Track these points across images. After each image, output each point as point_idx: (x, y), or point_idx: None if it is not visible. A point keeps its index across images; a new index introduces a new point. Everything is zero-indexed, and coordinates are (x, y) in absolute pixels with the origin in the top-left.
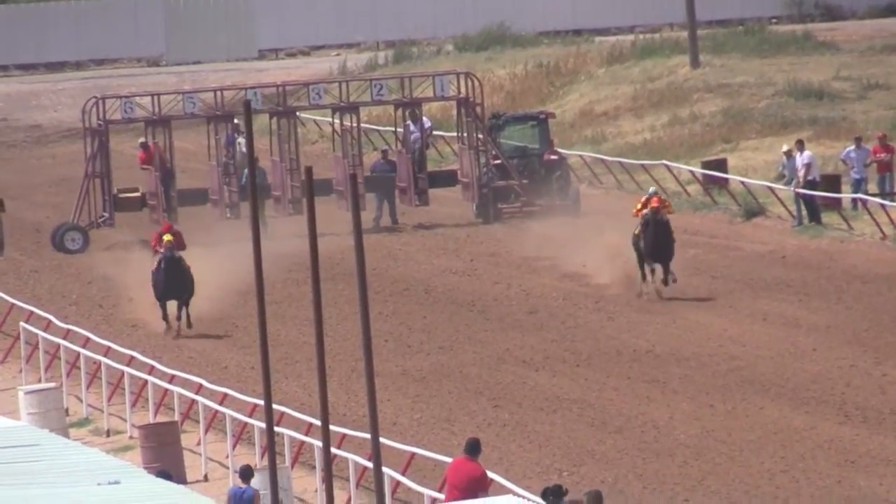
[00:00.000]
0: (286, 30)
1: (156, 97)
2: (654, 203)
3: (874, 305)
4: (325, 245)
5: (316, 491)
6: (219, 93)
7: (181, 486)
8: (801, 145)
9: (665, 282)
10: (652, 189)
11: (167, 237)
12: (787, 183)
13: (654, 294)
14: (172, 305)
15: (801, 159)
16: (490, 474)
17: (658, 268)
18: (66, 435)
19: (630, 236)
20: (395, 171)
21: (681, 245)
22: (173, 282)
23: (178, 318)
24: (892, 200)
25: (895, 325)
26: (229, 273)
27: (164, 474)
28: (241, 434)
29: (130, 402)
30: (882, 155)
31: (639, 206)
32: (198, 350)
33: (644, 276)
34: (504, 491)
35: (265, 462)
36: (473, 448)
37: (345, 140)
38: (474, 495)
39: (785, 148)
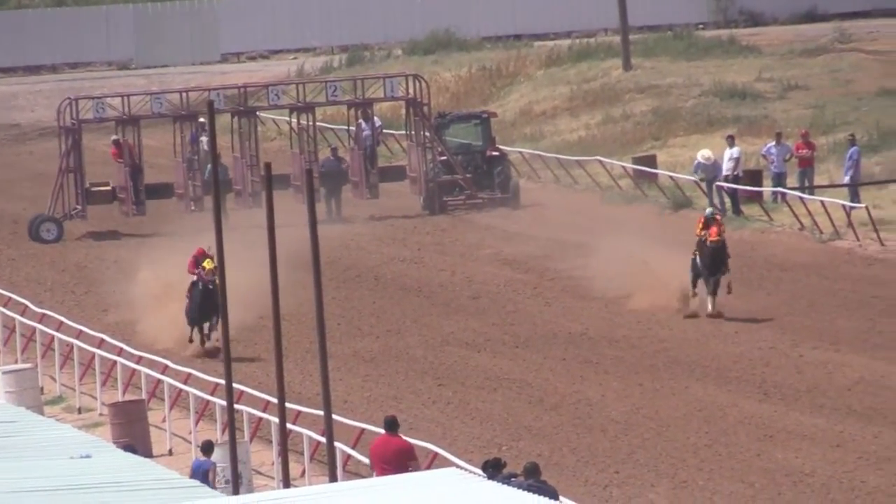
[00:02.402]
0: (247, 35)
1: (125, 98)
2: (714, 235)
3: (792, 292)
4: (282, 235)
5: (273, 464)
6: (184, 94)
7: (147, 460)
8: (731, 140)
9: (714, 292)
10: (709, 210)
11: (209, 264)
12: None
13: (710, 312)
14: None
15: (729, 153)
16: (434, 448)
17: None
18: (41, 412)
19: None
20: (342, 168)
21: (613, 236)
22: (207, 307)
23: (207, 338)
24: (811, 194)
25: (811, 310)
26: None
27: (131, 448)
28: (204, 411)
29: (101, 382)
30: (804, 151)
31: (699, 226)
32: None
33: (695, 294)
34: (447, 464)
35: (226, 437)
36: (392, 425)
37: (301, 138)
38: (405, 467)
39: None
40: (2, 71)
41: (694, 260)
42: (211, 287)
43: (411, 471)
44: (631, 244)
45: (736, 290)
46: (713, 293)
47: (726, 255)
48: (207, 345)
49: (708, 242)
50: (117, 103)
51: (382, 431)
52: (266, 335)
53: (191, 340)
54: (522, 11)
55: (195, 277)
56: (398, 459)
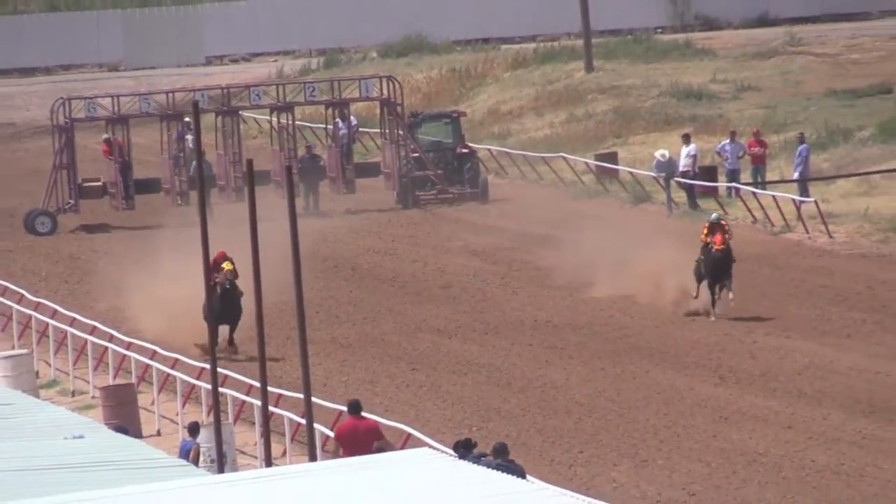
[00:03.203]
0: (230, 39)
1: (115, 98)
2: (718, 242)
3: (745, 281)
4: (263, 228)
5: (255, 444)
6: (170, 94)
7: (137, 440)
8: (687, 139)
9: (718, 297)
10: (715, 215)
11: (228, 266)
12: (668, 176)
13: (713, 314)
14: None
15: (685, 151)
16: (408, 429)
17: (716, 294)
18: (37, 395)
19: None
20: (319, 165)
21: (576, 228)
22: (228, 309)
23: (230, 342)
24: (763, 189)
25: (764, 298)
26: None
27: (121, 429)
28: (190, 394)
29: (93, 367)
30: (756, 149)
31: (705, 231)
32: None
33: (696, 296)
34: (420, 444)
35: (211, 419)
36: (357, 407)
37: (281, 136)
38: (371, 446)
39: (662, 152)
40: None
41: (698, 264)
42: (228, 287)
43: (378, 448)
44: (594, 236)
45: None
46: (715, 299)
47: (731, 263)
48: (223, 345)
49: (713, 250)
50: (108, 103)
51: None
52: (249, 322)
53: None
54: (490, 16)
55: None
56: (370, 439)
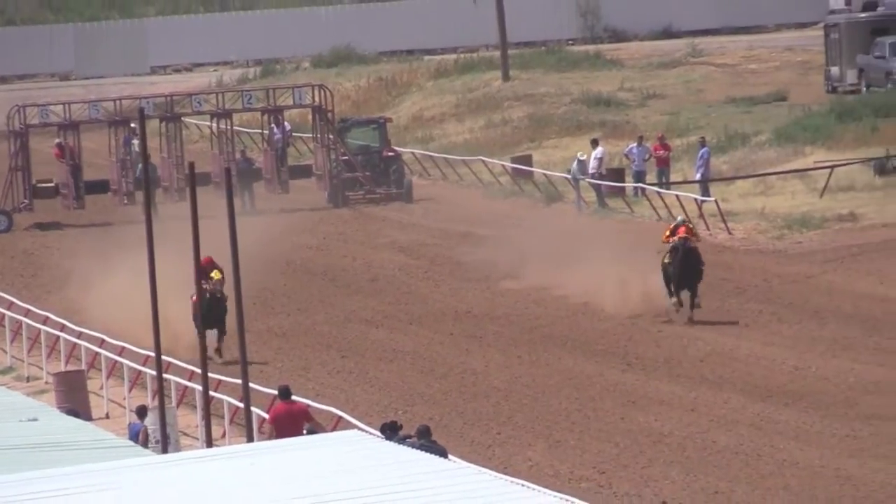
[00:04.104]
0: (173, 50)
1: (67, 105)
2: (682, 233)
3: (642, 273)
4: (204, 226)
5: (197, 426)
6: (118, 102)
7: (87, 423)
8: (595, 143)
9: (692, 305)
10: (680, 218)
11: (216, 274)
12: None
13: (683, 318)
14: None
15: (594, 154)
16: (338, 412)
17: (686, 296)
18: None
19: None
20: (252, 168)
21: (494, 226)
22: (216, 316)
23: (218, 349)
24: (667, 189)
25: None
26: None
27: (73, 412)
28: (137, 380)
29: (46, 354)
30: (661, 152)
31: (668, 233)
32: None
33: (671, 295)
34: (349, 426)
35: (156, 403)
36: (287, 392)
37: (221, 140)
38: (302, 427)
39: (581, 154)
40: None
41: (665, 266)
42: (218, 296)
43: (310, 430)
44: (510, 233)
45: (603, 273)
46: (691, 302)
47: (699, 259)
48: (213, 354)
49: (677, 239)
50: (60, 110)
51: (293, 398)
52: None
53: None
54: (414, 30)
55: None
56: (302, 422)
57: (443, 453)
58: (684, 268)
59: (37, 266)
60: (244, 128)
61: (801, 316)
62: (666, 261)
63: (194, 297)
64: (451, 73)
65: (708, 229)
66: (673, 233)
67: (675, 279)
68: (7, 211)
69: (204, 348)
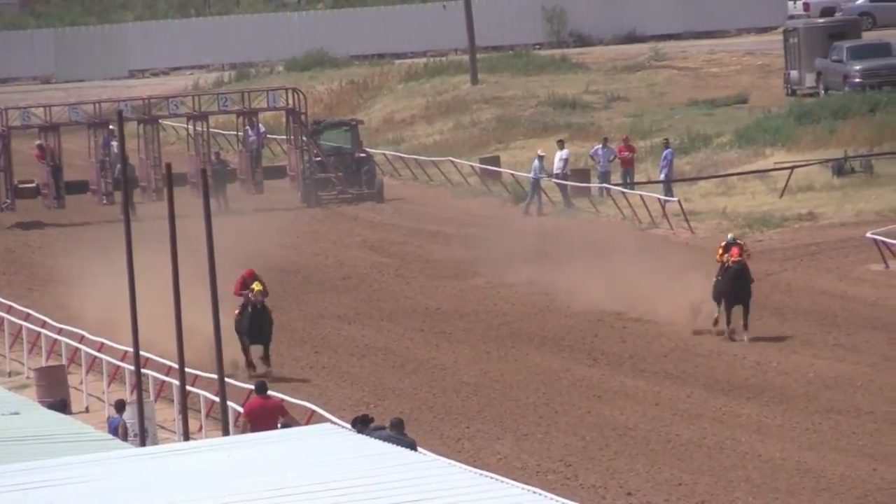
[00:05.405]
0: (151, 54)
1: (47, 108)
2: (735, 254)
3: (614, 271)
4: (180, 225)
5: (174, 420)
6: (97, 105)
7: (67, 416)
8: (560, 144)
9: (745, 325)
10: (731, 236)
11: (258, 286)
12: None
13: (735, 335)
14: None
15: (559, 155)
16: (312, 406)
17: (737, 312)
18: None
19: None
20: (226, 169)
21: (462, 225)
22: (258, 328)
23: (265, 362)
24: (632, 189)
25: (632, 287)
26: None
27: (61, 402)
28: (116, 375)
29: (27, 350)
30: (626, 153)
31: (720, 251)
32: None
33: (720, 314)
34: (322, 420)
35: (134, 397)
36: (263, 387)
37: (197, 142)
38: (277, 421)
39: (541, 151)
40: None
41: (715, 284)
42: (259, 307)
43: (284, 424)
44: (477, 232)
45: (567, 269)
46: (744, 321)
47: (749, 279)
48: (261, 369)
49: (730, 263)
50: (40, 112)
51: (269, 392)
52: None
53: (248, 364)
54: (385, 34)
55: (244, 300)
56: (277, 416)
57: (412, 446)
58: (735, 286)
59: (19, 264)
60: (220, 130)
61: (761, 312)
62: (717, 276)
63: (238, 312)
64: (421, 77)
65: (671, 228)
66: (726, 250)
67: (727, 296)
68: None
69: (250, 362)
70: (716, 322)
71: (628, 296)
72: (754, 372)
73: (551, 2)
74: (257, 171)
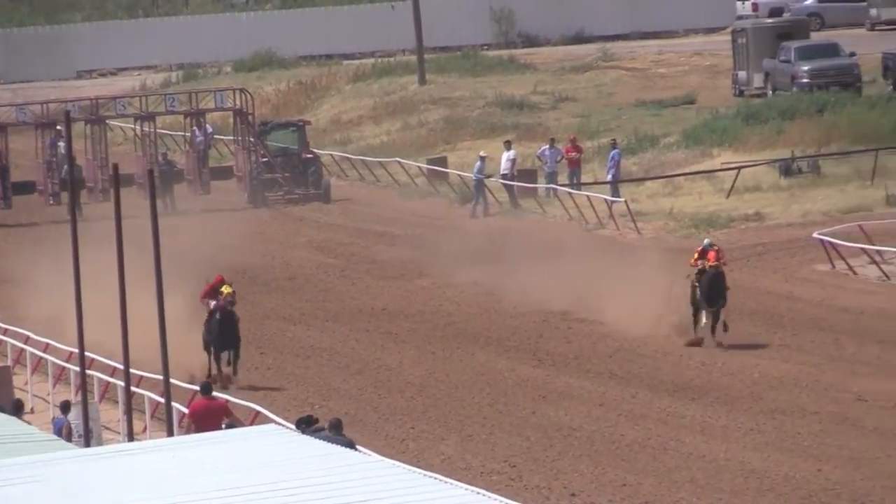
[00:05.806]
0: (98, 55)
1: None
2: (711, 258)
3: (561, 271)
4: (127, 225)
5: (119, 421)
6: (45, 105)
7: (12, 417)
8: (507, 145)
9: (723, 328)
10: (707, 241)
11: (227, 289)
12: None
13: (711, 342)
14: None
15: (506, 156)
16: (256, 407)
17: (710, 318)
18: None
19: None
20: (173, 170)
21: (409, 226)
22: (228, 334)
23: (233, 370)
24: (579, 190)
25: (578, 288)
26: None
27: (16, 404)
28: (61, 376)
29: None
30: (573, 154)
31: (696, 256)
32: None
33: (696, 322)
34: (267, 421)
35: (79, 398)
36: (208, 388)
37: (144, 142)
38: (221, 423)
39: (483, 153)
40: None
41: (693, 290)
42: (229, 309)
43: (229, 425)
44: (423, 232)
45: (513, 271)
46: (713, 325)
47: (725, 285)
48: (225, 370)
49: (707, 268)
50: None
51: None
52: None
53: (209, 373)
54: (333, 34)
55: (212, 306)
56: (221, 417)
57: (350, 445)
58: (711, 290)
59: None
60: (167, 130)
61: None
62: (693, 282)
63: (205, 321)
64: (369, 77)
65: (618, 229)
66: (702, 256)
67: (703, 300)
68: None
69: (219, 369)
70: (695, 328)
71: (574, 296)
72: (699, 372)
73: (499, 3)
74: (204, 171)
